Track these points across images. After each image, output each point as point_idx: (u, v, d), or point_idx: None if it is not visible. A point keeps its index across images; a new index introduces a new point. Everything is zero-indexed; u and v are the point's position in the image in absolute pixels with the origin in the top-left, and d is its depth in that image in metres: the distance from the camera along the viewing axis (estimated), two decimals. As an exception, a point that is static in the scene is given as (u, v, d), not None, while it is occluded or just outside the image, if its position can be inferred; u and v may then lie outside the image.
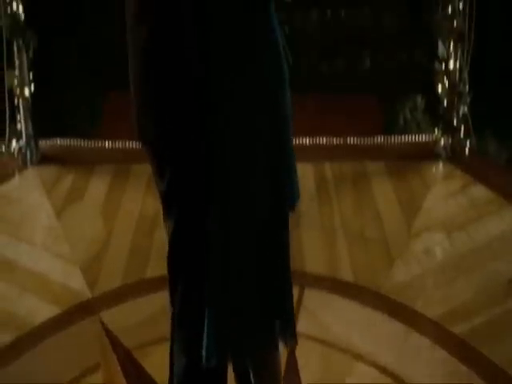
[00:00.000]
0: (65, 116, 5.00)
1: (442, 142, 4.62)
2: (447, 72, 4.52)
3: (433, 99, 4.74)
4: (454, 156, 4.59)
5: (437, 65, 4.56)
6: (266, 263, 2.29)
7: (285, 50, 2.25)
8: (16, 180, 4.51)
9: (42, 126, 4.68)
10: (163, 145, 2.22)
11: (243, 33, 2.15)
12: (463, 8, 4.42)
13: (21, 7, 4.34)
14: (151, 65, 2.16)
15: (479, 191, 4.25)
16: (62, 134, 4.78)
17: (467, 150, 4.56)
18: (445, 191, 4.31)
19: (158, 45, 2.13)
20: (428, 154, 4.65)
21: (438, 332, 3.21)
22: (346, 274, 3.60)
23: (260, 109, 2.20)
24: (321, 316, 3.29)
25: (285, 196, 2.30)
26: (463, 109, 4.52)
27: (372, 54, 5.79)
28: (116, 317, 3.32)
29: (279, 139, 2.26)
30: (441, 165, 4.58)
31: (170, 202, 2.26)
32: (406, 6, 5.82)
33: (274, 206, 2.26)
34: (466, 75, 4.50)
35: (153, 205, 4.01)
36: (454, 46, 4.47)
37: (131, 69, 2.23)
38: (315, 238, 3.89)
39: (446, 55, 4.51)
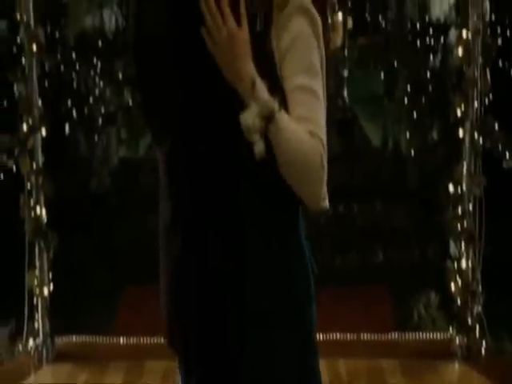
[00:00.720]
0: (82, 312, 5.04)
1: (458, 341, 4.55)
2: (460, 271, 4.51)
3: (447, 296, 4.73)
4: (469, 355, 4.52)
5: (449, 263, 4.58)
6: None
7: (311, 260, 2.31)
8: (31, 379, 4.45)
9: (59, 323, 4.69)
10: (193, 350, 2.25)
11: (271, 239, 2.21)
12: (473, 209, 4.48)
13: (44, 211, 4.40)
14: (184, 275, 2.22)
15: (496, 394, 4.20)
16: (78, 329, 4.78)
17: (483, 350, 4.49)
18: (461, 393, 4.26)
19: (191, 256, 2.20)
20: (443, 352, 4.58)
21: None
22: None
23: (286, 318, 2.24)
24: None
25: None
26: (477, 308, 4.50)
27: (384, 249, 5.88)
28: None
29: (305, 347, 2.29)
30: (456, 365, 4.52)
31: None
32: (418, 203, 5.97)
33: None
34: (478, 275, 4.50)
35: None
36: (466, 246, 4.49)
37: (163, 274, 2.29)
38: None
39: (457, 254, 4.53)
